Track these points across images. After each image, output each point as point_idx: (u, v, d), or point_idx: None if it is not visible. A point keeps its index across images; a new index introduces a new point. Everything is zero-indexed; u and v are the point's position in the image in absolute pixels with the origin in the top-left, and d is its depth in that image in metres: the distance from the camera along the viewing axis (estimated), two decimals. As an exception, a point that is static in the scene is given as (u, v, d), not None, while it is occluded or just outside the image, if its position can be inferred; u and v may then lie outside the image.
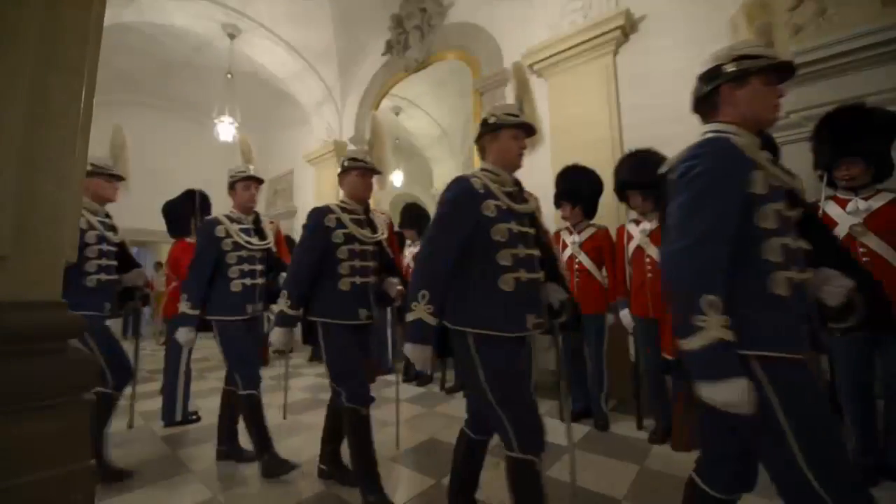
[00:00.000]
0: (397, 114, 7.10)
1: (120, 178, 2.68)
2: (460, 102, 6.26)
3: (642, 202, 2.77)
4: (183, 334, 2.40)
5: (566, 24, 4.15)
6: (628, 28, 3.78)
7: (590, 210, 3.22)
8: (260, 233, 2.67)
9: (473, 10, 5.26)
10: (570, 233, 3.23)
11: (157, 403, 3.61)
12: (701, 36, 3.40)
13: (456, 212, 1.53)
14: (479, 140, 1.73)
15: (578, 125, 4.01)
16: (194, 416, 3.29)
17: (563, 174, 3.26)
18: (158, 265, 10.48)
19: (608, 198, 3.31)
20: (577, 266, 3.14)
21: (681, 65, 3.48)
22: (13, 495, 0.79)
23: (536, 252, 1.62)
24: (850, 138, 2.15)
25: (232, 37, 6.52)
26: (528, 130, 1.68)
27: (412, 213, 4.58)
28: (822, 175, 2.31)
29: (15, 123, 0.86)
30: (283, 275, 2.58)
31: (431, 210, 4.90)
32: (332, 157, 7.32)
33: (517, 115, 1.67)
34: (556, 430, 2.92)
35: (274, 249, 2.77)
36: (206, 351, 6.67)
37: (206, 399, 3.92)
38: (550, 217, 3.68)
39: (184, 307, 2.38)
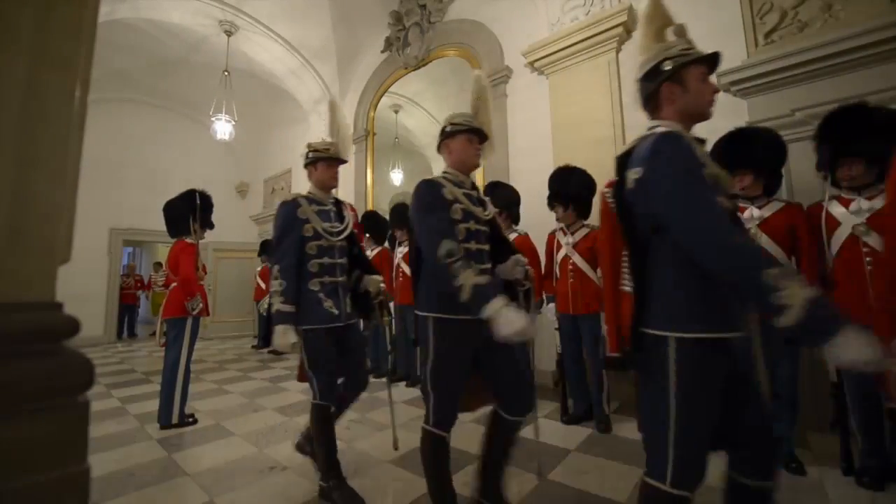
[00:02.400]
0: (397, 112, 7.07)
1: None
2: (460, 100, 6.19)
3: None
4: None
5: (568, 21, 4.13)
6: (631, 24, 3.75)
7: (582, 210, 3.20)
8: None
9: (474, 6, 5.24)
10: (565, 234, 3.22)
11: (152, 405, 3.56)
12: (704, 33, 3.38)
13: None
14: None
15: (580, 123, 3.99)
16: (191, 419, 3.25)
17: (553, 177, 3.24)
18: (158, 265, 10.45)
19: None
20: (571, 267, 3.13)
21: (684, 63, 3.46)
22: (6, 499, 0.77)
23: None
24: (851, 138, 2.14)
25: (229, 34, 6.48)
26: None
27: (401, 212, 4.52)
28: (826, 175, 2.30)
29: (8, 122, 0.85)
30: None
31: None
32: (330, 155, 7.26)
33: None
34: (555, 433, 2.91)
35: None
36: (202, 352, 6.63)
37: (203, 401, 3.88)
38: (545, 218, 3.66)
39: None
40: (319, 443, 2.11)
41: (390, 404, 2.41)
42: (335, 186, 2.33)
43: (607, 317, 1.50)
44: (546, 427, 3.01)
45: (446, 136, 1.88)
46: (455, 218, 1.72)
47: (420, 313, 1.78)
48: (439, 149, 1.93)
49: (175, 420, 3.14)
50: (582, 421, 3.08)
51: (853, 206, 2.16)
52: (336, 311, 2.15)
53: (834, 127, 2.23)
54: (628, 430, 2.91)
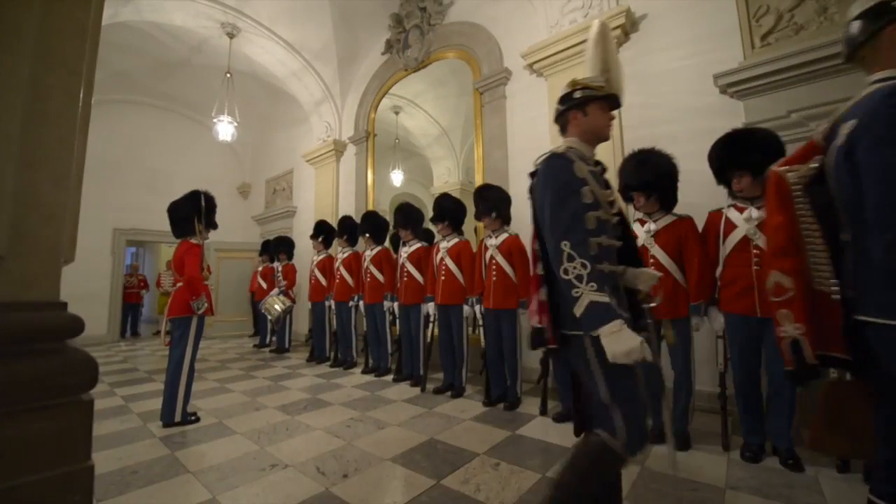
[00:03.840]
0: (397, 113, 7.09)
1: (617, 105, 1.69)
2: (460, 101, 6.25)
3: (646, 202, 2.75)
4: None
5: (566, 23, 4.15)
6: (629, 27, 3.78)
7: None
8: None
9: (473, 8, 5.27)
10: None
11: (155, 404, 3.60)
12: (701, 35, 3.40)
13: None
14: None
15: (579, 124, 4.00)
16: (193, 417, 3.28)
17: None
18: (170, 264, 10.48)
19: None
20: None
21: (681, 64, 3.48)
22: (11, 496, 0.79)
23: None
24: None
25: (231, 36, 6.52)
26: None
27: (406, 213, 4.54)
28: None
29: (13, 123, 0.86)
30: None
31: (426, 210, 4.89)
32: (331, 156, 7.33)
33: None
34: (556, 431, 2.94)
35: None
36: (204, 351, 6.67)
37: (205, 400, 3.91)
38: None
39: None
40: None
41: (671, 458, 1.95)
42: (608, 139, 1.67)
43: (799, 317, 1.37)
44: (546, 426, 3.03)
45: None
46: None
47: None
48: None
49: (178, 418, 3.17)
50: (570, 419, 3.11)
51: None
52: (626, 315, 1.45)
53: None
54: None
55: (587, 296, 1.32)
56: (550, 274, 1.48)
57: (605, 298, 1.31)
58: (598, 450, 1.38)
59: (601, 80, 1.65)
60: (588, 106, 1.58)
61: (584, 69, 3.95)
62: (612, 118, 1.63)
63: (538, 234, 1.55)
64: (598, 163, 1.63)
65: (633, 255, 1.67)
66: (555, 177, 1.49)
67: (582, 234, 1.40)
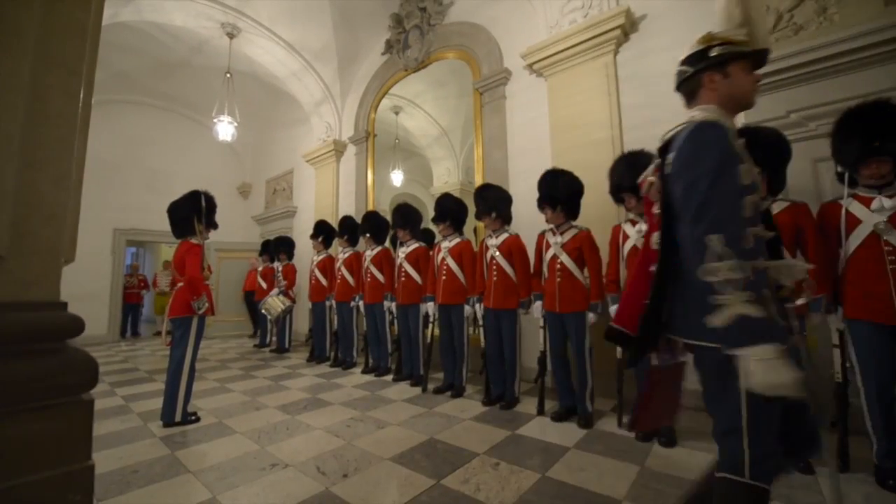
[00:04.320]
0: (397, 113, 7.11)
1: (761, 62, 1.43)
2: (460, 102, 6.27)
3: (637, 204, 2.77)
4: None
5: (566, 23, 4.16)
6: (628, 27, 3.78)
7: (571, 211, 3.26)
8: None
9: (473, 9, 5.28)
10: (554, 234, 3.28)
11: (155, 403, 3.60)
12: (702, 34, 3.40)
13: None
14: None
15: (579, 125, 4.01)
16: (193, 417, 3.28)
17: (541, 180, 3.29)
18: (168, 263, 10.50)
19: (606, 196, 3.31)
20: (559, 266, 3.19)
21: (681, 64, 3.48)
22: (11, 496, 0.79)
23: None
24: (883, 136, 2.05)
25: (231, 36, 6.53)
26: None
27: (403, 213, 4.54)
28: (843, 173, 2.23)
29: (13, 123, 0.86)
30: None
31: (425, 210, 4.88)
32: (331, 156, 7.34)
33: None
34: (555, 431, 2.94)
35: None
36: (204, 351, 6.67)
37: (205, 400, 3.91)
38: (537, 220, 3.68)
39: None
40: None
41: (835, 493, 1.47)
42: (753, 105, 1.37)
43: None
44: (545, 426, 3.03)
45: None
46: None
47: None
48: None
49: (178, 418, 3.17)
50: (570, 417, 3.13)
51: (874, 204, 2.10)
52: (781, 323, 1.20)
53: (864, 124, 2.11)
54: (613, 426, 2.96)
55: (737, 307, 1.07)
56: (665, 274, 1.27)
57: (761, 313, 1.06)
58: (731, 492, 1.21)
59: (743, 34, 1.37)
60: (729, 66, 1.31)
61: (584, 69, 4.01)
62: (758, 80, 1.36)
63: (662, 225, 1.30)
64: (739, 135, 1.32)
65: (774, 245, 1.36)
66: (710, 148, 1.19)
67: (738, 225, 1.13)
